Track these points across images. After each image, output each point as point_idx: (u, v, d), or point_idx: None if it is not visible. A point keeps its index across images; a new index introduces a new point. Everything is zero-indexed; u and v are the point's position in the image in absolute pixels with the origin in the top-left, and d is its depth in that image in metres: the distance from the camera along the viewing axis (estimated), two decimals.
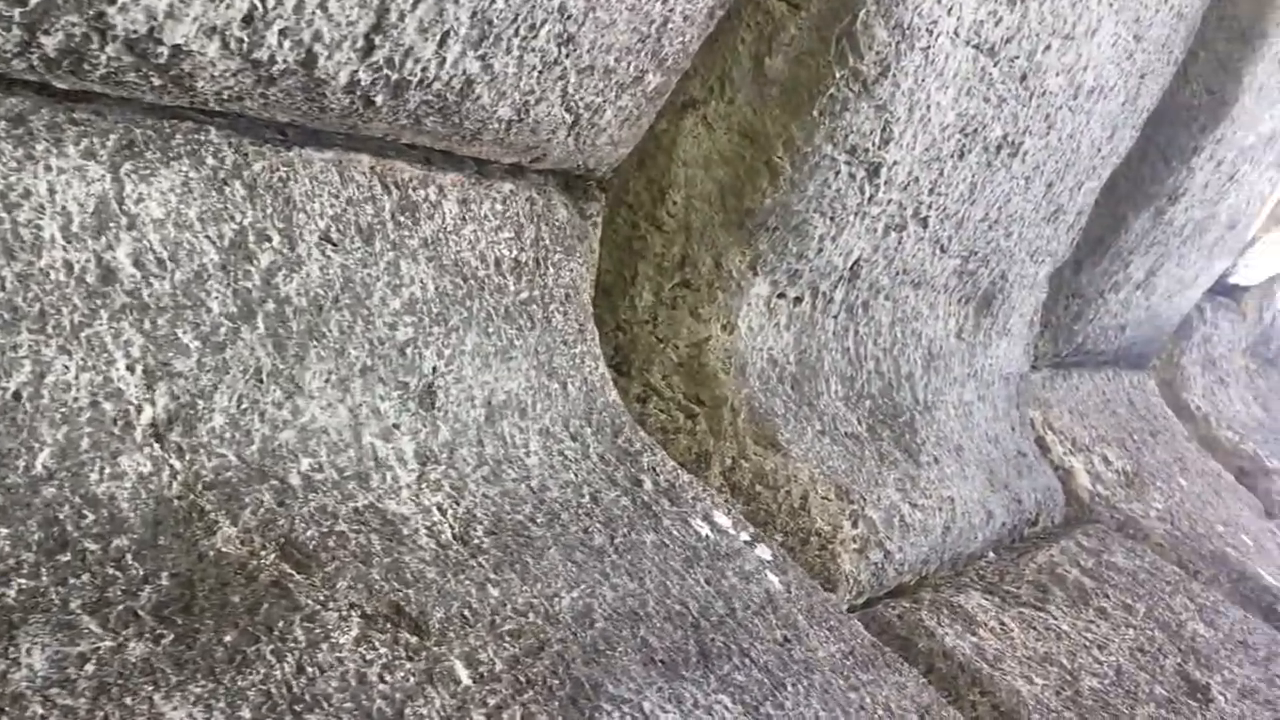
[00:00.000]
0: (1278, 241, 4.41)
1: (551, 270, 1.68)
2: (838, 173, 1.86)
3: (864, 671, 1.53)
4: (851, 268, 2.08)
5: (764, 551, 1.69)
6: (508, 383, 1.54)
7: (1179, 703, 2.02)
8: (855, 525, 1.90)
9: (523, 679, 1.10)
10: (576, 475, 1.55)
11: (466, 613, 1.15)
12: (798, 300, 2.03)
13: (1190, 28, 2.60)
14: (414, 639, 1.07)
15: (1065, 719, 1.77)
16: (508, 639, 1.15)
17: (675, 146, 1.84)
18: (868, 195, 1.94)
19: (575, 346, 1.70)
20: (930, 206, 2.12)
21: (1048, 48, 2.07)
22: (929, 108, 1.91)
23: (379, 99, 1.32)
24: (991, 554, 2.48)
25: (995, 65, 1.98)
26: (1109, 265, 3.10)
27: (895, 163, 1.94)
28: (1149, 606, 2.40)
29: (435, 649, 1.07)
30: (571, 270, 1.73)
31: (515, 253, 1.62)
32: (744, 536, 1.70)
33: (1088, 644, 2.09)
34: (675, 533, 1.55)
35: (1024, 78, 2.08)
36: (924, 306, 2.39)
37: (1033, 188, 2.41)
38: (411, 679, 1.02)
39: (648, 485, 1.64)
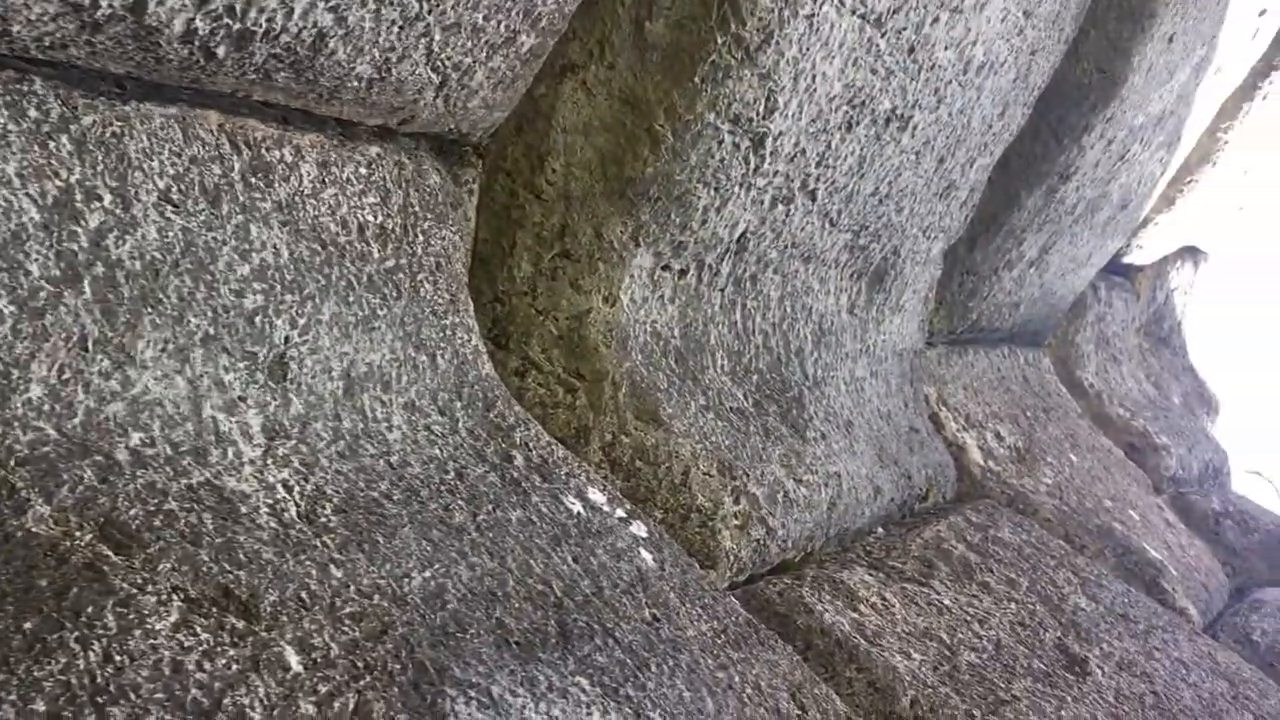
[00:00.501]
0: (1171, 222, 4.51)
1: (421, 238, 1.61)
2: (721, 142, 1.82)
3: (735, 650, 1.50)
4: (738, 240, 2.04)
5: (639, 528, 1.65)
6: (370, 354, 1.47)
7: (1056, 676, 2.04)
8: (737, 501, 1.88)
9: (361, 664, 1.05)
10: (442, 451, 1.49)
11: (304, 595, 1.09)
12: (683, 273, 1.99)
13: (1081, 5, 2.62)
14: (241, 624, 1.01)
15: (941, 694, 1.77)
16: (348, 622, 1.09)
17: (554, 112, 1.78)
18: (753, 166, 1.91)
19: (446, 317, 1.64)
20: (818, 179, 2.09)
21: (936, 20, 2.05)
22: (815, 78, 1.87)
23: (221, 51, 1.24)
24: (880, 529, 2.49)
25: (882, 36, 1.95)
26: (1003, 243, 3.12)
27: (781, 133, 1.90)
28: (1032, 581, 2.42)
29: (264, 634, 1.01)
30: (444, 238, 1.67)
31: (381, 218, 1.55)
32: (619, 513, 1.66)
33: (969, 619, 2.09)
34: (544, 510, 1.51)
35: (912, 50, 2.06)
36: (814, 281, 2.37)
37: (923, 162, 2.40)
38: (234, 666, 0.96)
39: (519, 461, 1.58)
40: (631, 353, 1.89)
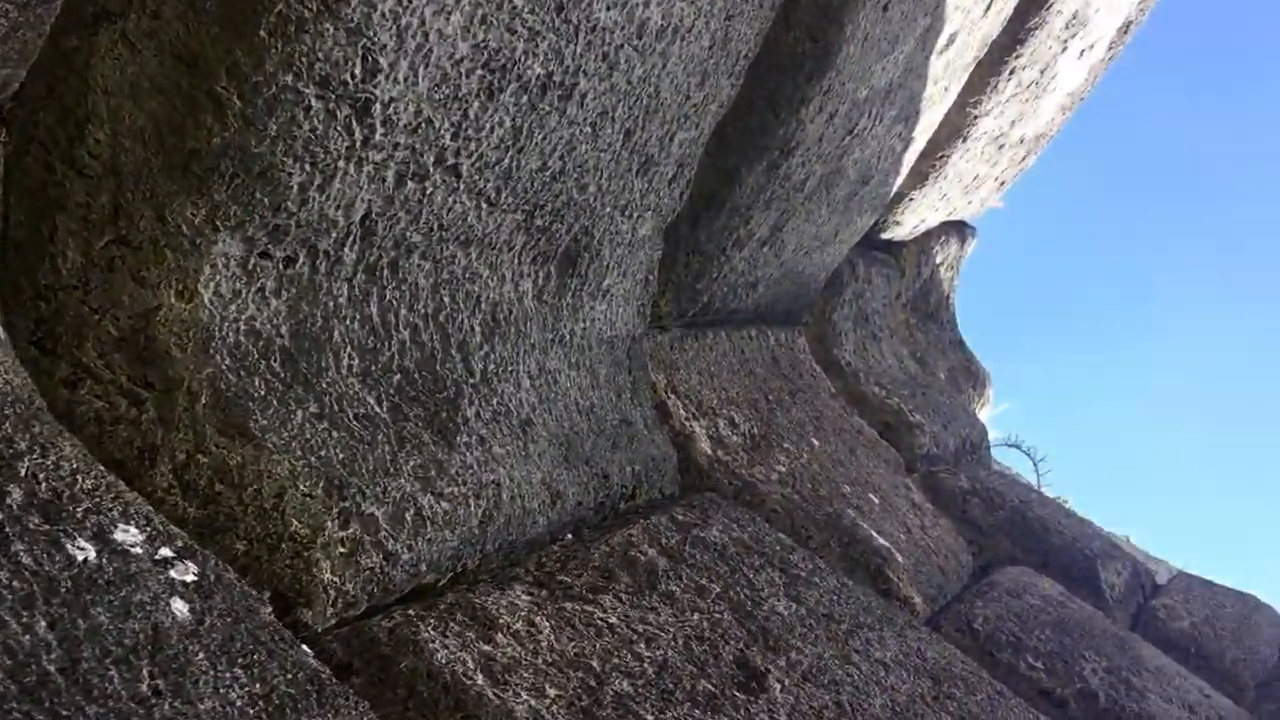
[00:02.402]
0: (926, 197, 4.47)
1: None
2: (309, 109, 1.55)
3: None
4: (362, 223, 1.78)
5: (185, 571, 1.38)
6: None
7: (724, 697, 1.87)
8: (345, 525, 1.63)
9: None
10: None
11: None
12: (289, 261, 1.72)
13: None
14: None
15: None
16: None
17: (90, 70, 1.48)
18: (360, 137, 1.65)
19: None
20: (459, 153, 1.84)
21: None
22: (428, 35, 1.62)
23: None
24: (570, 536, 2.28)
25: None
26: (727, 221, 2.96)
27: (393, 99, 1.65)
28: (726, 586, 2.26)
29: None
30: None
31: None
32: (164, 553, 1.38)
33: (635, 638, 1.90)
34: (25, 561, 1.22)
35: (561, 9, 1.83)
36: (482, 267, 2.13)
37: (604, 135, 2.18)
38: None
39: (14, 499, 1.29)
40: (215, 356, 1.61)
